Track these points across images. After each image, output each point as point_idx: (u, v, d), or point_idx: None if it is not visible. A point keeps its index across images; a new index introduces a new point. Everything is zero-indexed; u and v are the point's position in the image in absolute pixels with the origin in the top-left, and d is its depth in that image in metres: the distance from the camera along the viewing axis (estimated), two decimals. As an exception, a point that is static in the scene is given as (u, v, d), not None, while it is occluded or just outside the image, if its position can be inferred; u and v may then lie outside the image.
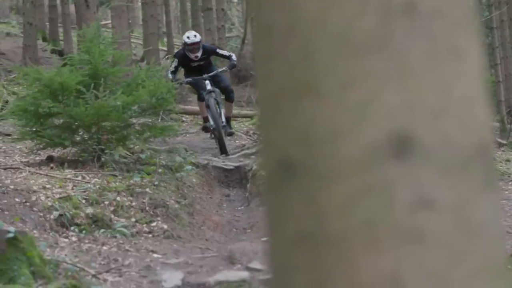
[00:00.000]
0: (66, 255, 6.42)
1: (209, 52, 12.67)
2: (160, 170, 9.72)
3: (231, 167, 11.06)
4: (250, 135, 15.37)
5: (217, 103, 12.40)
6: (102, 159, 9.61)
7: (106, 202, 8.23)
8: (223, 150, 12.12)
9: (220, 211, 10.48)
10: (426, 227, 1.13)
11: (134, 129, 10.30)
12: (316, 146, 1.16)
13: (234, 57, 12.78)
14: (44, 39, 24.30)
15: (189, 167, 10.94)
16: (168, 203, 8.83)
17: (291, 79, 1.19)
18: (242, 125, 16.55)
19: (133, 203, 8.43)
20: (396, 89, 1.15)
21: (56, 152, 10.20)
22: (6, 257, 5.32)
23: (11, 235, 5.37)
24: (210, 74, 12.42)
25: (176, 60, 12.62)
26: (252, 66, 23.19)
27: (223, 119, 12.39)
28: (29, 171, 8.85)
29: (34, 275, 5.38)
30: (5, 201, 7.45)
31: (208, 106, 12.29)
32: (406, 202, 1.13)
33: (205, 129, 12.81)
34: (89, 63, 9.89)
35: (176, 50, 28.15)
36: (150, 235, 7.91)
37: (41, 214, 7.52)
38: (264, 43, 1.23)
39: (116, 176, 9.12)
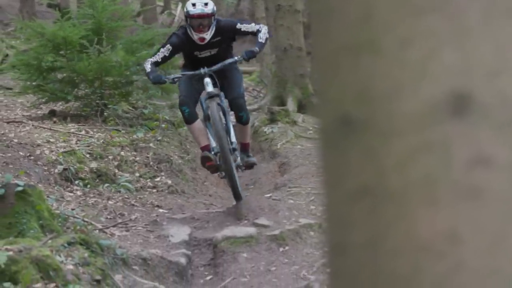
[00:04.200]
0: (73, 209, 6.46)
1: (225, 31, 7.51)
2: (163, 125, 9.74)
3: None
4: (249, 92, 15.35)
5: (223, 111, 7.51)
6: (105, 113, 9.63)
7: (110, 157, 8.27)
8: (236, 194, 7.26)
9: (222, 167, 10.49)
10: (483, 184, 1.15)
11: (136, 86, 10.31)
12: (375, 103, 1.18)
13: (263, 32, 7.41)
14: (40, -7, 24.17)
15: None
16: (171, 158, 8.86)
17: (350, 37, 1.20)
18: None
19: (137, 158, 8.47)
20: (454, 48, 1.17)
21: (58, 107, 10.21)
22: (15, 211, 5.33)
23: (20, 188, 5.37)
24: (213, 68, 7.37)
25: (168, 47, 7.44)
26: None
27: (233, 139, 7.58)
28: (32, 125, 8.86)
29: (43, 229, 5.41)
30: (10, 154, 7.47)
31: (207, 119, 7.43)
32: (463, 159, 1.15)
33: (205, 160, 7.44)
34: (92, 18, 9.87)
35: (174, 8, 27.57)
36: (155, 190, 7.96)
37: (46, 168, 7.55)
38: (323, 2, 1.24)
39: (120, 131, 9.15)
